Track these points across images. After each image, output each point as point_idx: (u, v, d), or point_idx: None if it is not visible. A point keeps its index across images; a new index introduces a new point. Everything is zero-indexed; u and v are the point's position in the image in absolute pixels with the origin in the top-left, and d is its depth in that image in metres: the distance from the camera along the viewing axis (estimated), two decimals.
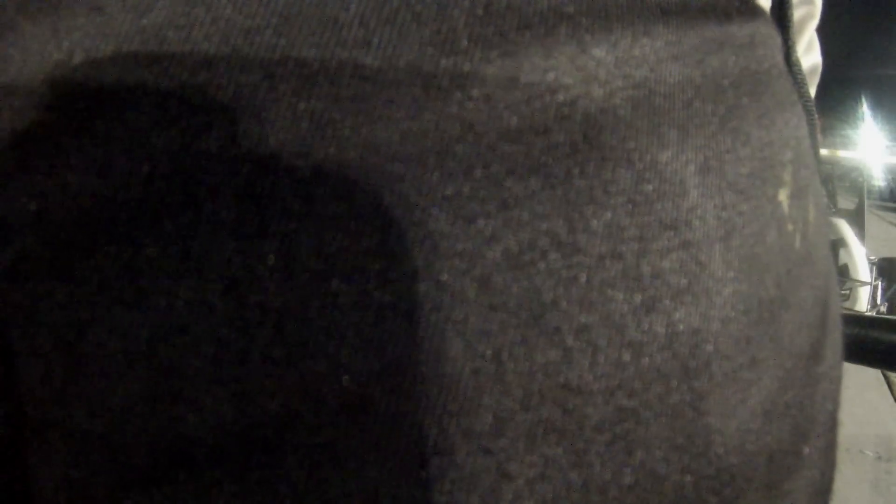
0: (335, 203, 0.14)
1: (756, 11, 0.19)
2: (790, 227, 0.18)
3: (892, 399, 1.99)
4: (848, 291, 2.11)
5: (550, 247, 0.14)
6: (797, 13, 0.25)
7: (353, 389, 0.13)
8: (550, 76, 0.15)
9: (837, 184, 2.72)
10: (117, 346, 0.13)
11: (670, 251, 0.15)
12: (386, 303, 0.13)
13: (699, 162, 0.16)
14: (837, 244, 2.26)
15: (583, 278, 0.14)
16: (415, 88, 0.14)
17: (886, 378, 2.06)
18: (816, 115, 0.23)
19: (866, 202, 2.34)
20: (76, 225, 0.14)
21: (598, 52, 0.15)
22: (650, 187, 0.15)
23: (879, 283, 2.09)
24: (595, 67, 0.15)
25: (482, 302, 0.14)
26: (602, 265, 0.14)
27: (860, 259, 2.08)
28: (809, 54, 0.28)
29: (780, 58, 0.20)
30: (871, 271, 2.09)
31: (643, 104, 0.15)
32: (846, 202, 2.67)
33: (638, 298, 0.15)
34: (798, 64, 0.23)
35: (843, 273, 2.17)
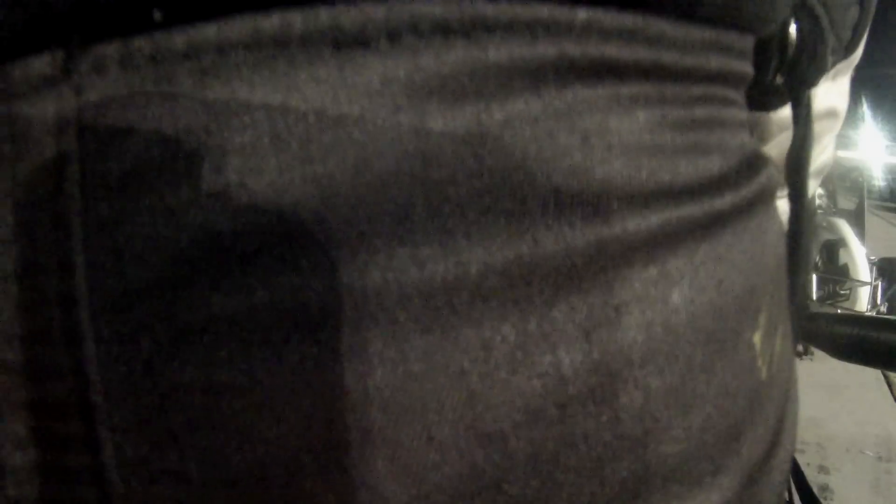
0: None
1: (763, 166, 0.20)
2: (760, 362, 0.18)
3: (892, 399, 1.99)
4: (848, 291, 2.10)
5: None
6: (818, 126, 0.25)
7: None
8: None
9: (837, 184, 2.72)
10: None
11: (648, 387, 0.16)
12: None
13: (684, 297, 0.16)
14: (837, 244, 2.26)
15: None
16: None
17: (886, 378, 2.06)
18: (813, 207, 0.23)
19: (866, 202, 2.34)
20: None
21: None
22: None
23: (879, 283, 2.09)
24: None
25: None
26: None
27: (860, 259, 2.08)
28: (822, 155, 0.28)
29: (773, 183, 0.20)
30: (871, 271, 2.08)
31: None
32: (846, 202, 2.66)
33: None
34: (802, 179, 0.22)
35: (843, 273, 2.17)
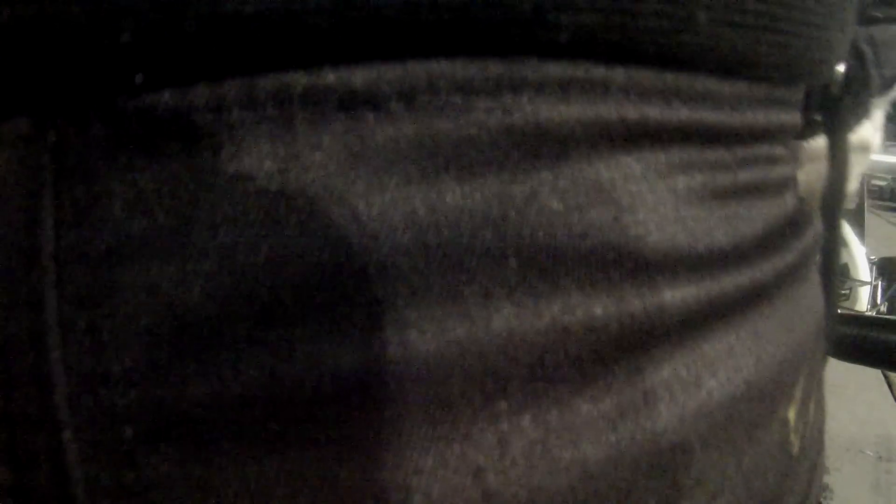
0: None
1: (807, 224, 0.19)
2: (792, 437, 0.17)
3: (892, 399, 1.99)
4: (848, 291, 2.10)
5: None
6: (851, 159, 0.24)
7: None
8: None
9: None
10: None
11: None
12: None
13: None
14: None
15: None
16: None
17: (886, 378, 2.06)
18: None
19: (866, 202, 2.34)
20: None
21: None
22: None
23: (879, 283, 2.09)
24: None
25: None
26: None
27: (860, 259, 2.08)
28: (851, 185, 0.27)
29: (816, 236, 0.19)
30: (871, 271, 2.08)
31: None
32: (846, 202, 2.65)
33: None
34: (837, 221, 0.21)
35: (843, 273, 2.17)
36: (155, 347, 0.12)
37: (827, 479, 1.63)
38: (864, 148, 0.28)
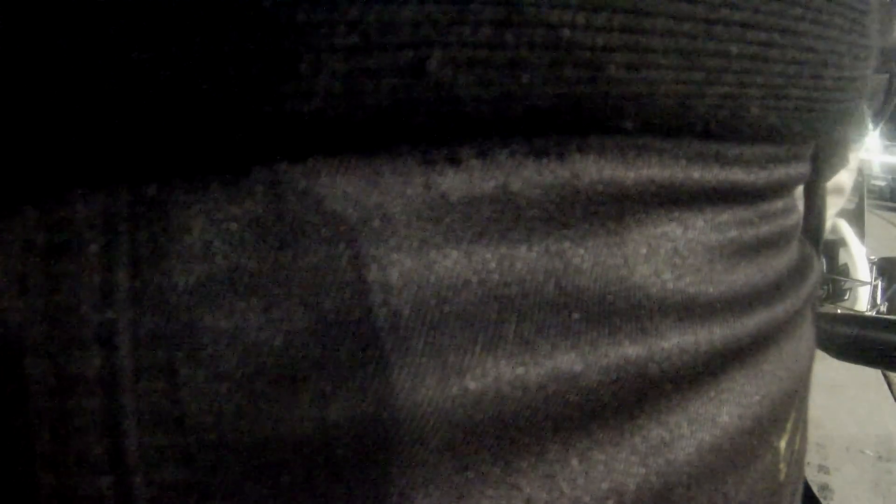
0: None
1: (811, 269, 0.20)
2: (781, 465, 0.18)
3: (892, 399, 1.99)
4: (848, 291, 2.10)
5: None
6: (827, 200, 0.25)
7: None
8: None
9: None
10: None
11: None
12: None
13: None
14: (837, 244, 2.25)
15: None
16: None
17: (886, 378, 2.06)
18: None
19: (866, 202, 2.34)
20: None
21: None
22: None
23: (879, 283, 2.09)
24: None
25: None
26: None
27: (860, 259, 2.08)
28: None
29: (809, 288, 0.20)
30: (871, 271, 2.08)
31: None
32: (846, 202, 2.66)
33: None
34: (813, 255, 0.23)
35: (843, 273, 2.17)
36: (237, 391, 0.12)
37: (827, 479, 1.63)
38: (838, 190, 0.29)
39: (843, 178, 0.29)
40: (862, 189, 2.38)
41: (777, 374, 0.17)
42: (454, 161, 0.13)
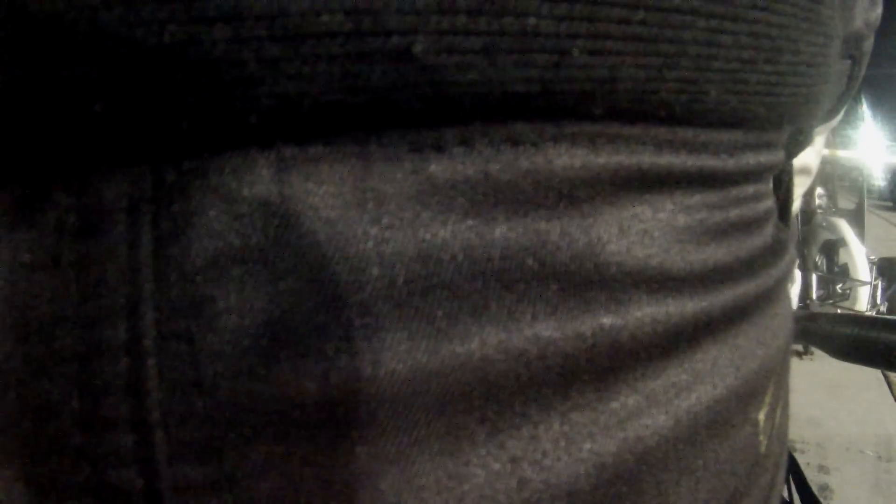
0: None
1: (784, 251, 0.21)
2: (761, 437, 0.19)
3: (892, 399, 1.99)
4: (848, 291, 2.11)
5: None
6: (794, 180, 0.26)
7: None
8: None
9: (837, 184, 2.71)
10: None
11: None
12: None
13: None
14: (837, 244, 2.26)
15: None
16: None
17: (886, 378, 2.06)
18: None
19: (866, 202, 2.34)
20: None
21: None
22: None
23: (879, 283, 2.09)
24: None
25: None
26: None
27: (860, 259, 2.08)
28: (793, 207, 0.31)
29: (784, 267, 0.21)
30: (871, 271, 2.09)
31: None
32: (846, 202, 2.67)
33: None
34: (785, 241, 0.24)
35: (843, 273, 2.17)
36: (247, 355, 0.13)
37: (827, 479, 1.64)
38: (805, 171, 0.30)
39: (809, 158, 0.29)
40: (862, 189, 2.39)
41: (751, 349, 0.18)
42: (439, 148, 0.14)
